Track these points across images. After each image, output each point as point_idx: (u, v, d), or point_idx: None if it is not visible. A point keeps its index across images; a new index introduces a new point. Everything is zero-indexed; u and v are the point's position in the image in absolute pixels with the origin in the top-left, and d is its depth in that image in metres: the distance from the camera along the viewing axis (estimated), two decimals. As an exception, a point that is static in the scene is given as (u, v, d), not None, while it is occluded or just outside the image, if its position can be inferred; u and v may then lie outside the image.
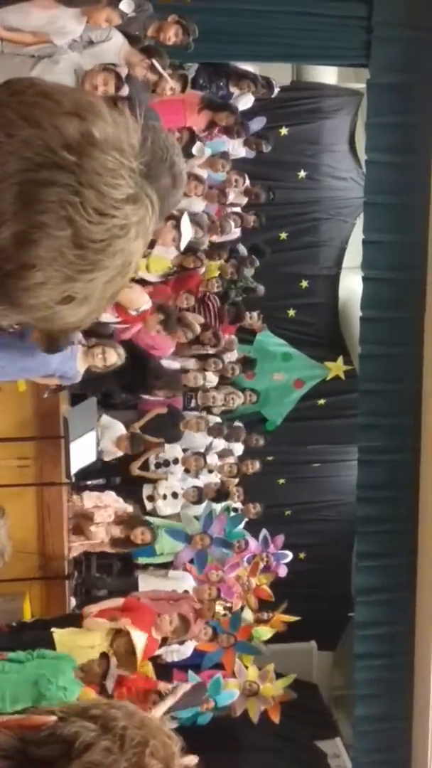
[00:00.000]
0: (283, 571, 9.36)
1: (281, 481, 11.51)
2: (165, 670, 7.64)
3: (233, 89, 8.76)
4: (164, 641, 6.91)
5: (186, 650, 7.96)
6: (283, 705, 8.63)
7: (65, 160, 1.09)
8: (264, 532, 9.41)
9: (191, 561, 8.16)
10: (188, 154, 7.16)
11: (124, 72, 5.66)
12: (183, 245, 7.26)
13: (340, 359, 11.11)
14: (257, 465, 9.09)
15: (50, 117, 1.11)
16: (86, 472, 7.26)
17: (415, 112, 8.05)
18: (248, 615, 8.79)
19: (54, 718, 1.25)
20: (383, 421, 8.55)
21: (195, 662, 8.24)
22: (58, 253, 1.10)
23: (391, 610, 8.73)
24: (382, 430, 8.57)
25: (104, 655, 6.16)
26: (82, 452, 6.85)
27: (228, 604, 8.34)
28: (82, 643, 6.32)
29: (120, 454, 7.68)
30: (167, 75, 6.01)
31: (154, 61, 5.85)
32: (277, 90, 9.19)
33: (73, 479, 7.08)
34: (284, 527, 11.26)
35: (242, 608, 8.69)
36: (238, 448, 9.25)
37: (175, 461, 8.12)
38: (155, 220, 1.20)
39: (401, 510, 8.57)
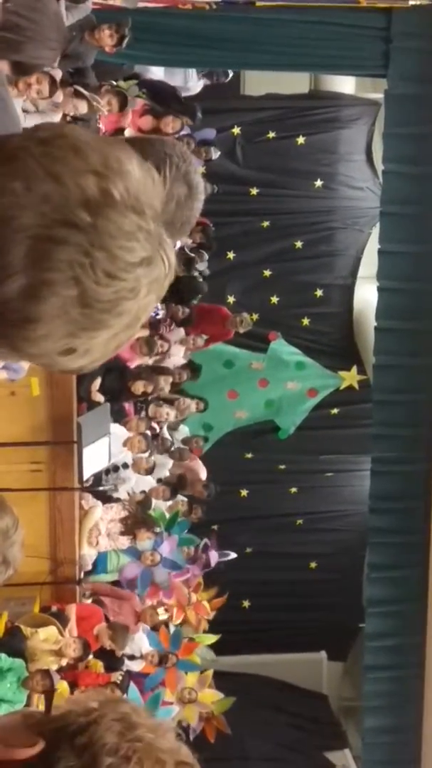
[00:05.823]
0: (213, 558, 8.72)
1: (293, 490, 11.48)
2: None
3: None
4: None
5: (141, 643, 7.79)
6: (293, 715, 8.56)
7: (81, 220, 1.08)
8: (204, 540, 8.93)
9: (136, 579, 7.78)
10: None
11: None
12: None
13: (354, 369, 11.07)
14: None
15: (75, 175, 1.09)
16: (96, 478, 7.28)
17: (432, 122, 8.06)
18: (188, 629, 8.51)
19: (39, 747, 1.18)
20: (397, 432, 8.53)
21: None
22: (63, 311, 1.10)
23: (402, 622, 8.69)
24: (395, 440, 8.54)
25: (46, 672, 6.20)
26: (94, 457, 6.87)
27: (166, 611, 8.00)
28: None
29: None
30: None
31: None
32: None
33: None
34: (295, 536, 11.25)
35: (182, 623, 8.37)
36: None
37: None
38: (171, 276, 1.19)
39: (414, 521, 8.54)
